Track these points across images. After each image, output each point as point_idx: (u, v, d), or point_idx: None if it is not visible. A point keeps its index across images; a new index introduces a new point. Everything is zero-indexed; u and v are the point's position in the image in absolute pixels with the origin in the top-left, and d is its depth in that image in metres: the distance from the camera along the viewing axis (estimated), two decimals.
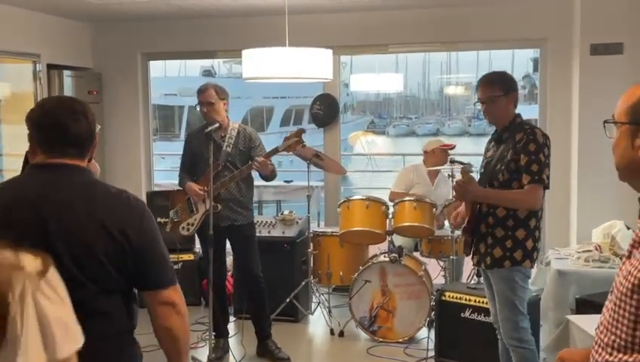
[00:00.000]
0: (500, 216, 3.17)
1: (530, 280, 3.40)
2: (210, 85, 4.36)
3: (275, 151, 4.22)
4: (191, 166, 4.44)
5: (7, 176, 5.75)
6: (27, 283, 1.04)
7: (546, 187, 3.14)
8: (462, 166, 3.36)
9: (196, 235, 4.66)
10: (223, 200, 4.26)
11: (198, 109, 4.38)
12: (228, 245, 4.54)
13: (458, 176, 3.52)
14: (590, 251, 4.37)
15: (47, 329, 1.06)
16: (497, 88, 3.20)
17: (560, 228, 5.33)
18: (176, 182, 4.61)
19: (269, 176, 4.29)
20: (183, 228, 4.42)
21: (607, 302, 1.43)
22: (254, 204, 9.35)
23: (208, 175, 4.17)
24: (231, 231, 4.36)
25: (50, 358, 1.04)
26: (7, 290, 0.99)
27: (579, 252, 4.43)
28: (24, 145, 5.37)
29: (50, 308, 1.07)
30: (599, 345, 1.41)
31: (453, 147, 5.43)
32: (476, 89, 3.33)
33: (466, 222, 3.30)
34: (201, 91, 4.31)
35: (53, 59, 5.95)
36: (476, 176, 3.40)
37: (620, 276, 1.39)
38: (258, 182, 4.72)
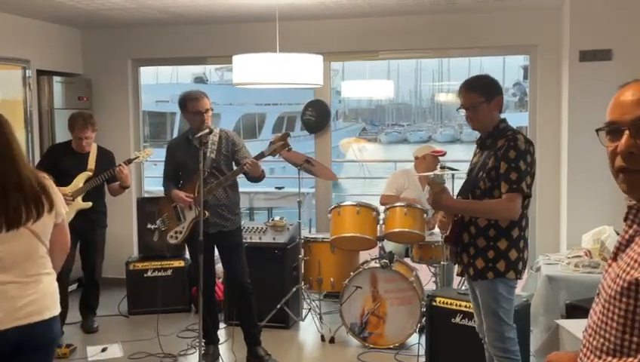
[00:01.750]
0: (482, 226, 3.07)
1: (518, 289, 3.32)
2: (202, 92, 4.30)
3: (262, 155, 4.16)
4: (175, 174, 4.41)
5: None
6: (51, 184, 2.47)
7: (527, 196, 3.02)
8: (432, 176, 3.19)
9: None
10: (211, 206, 4.23)
11: (185, 118, 4.31)
12: (217, 251, 4.52)
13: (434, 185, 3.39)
14: (580, 257, 4.38)
15: (61, 199, 2.51)
16: (479, 94, 3.09)
17: (550, 234, 5.35)
18: None
19: (258, 177, 4.24)
20: (171, 236, 4.38)
21: (594, 305, 1.42)
22: (246, 211, 9.38)
23: (194, 182, 4.15)
24: (219, 238, 4.33)
25: (65, 211, 2.53)
26: (48, 186, 2.44)
27: (569, 257, 4.44)
28: None
29: (58, 191, 2.51)
30: (588, 349, 1.39)
31: (443, 153, 5.44)
32: (458, 94, 3.22)
33: (448, 230, 3.21)
34: (197, 99, 4.22)
35: (43, 65, 5.94)
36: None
37: (606, 278, 1.38)
38: (249, 188, 4.71)
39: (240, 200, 4.53)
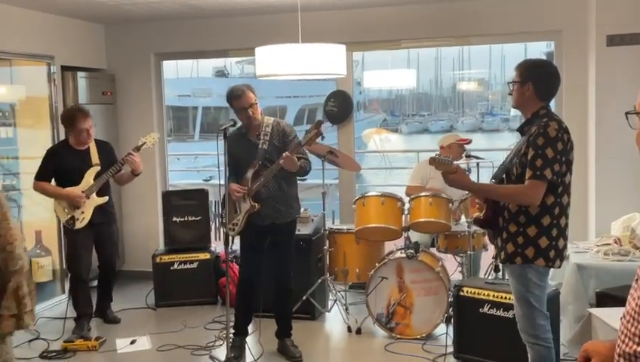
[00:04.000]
0: (513, 212, 3.09)
1: (549, 277, 3.29)
2: (243, 87, 4.24)
3: (299, 145, 4.14)
4: (235, 168, 4.32)
5: (24, 179, 5.77)
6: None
7: (553, 182, 2.97)
8: (434, 156, 3.13)
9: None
10: (263, 199, 4.21)
11: (236, 116, 4.23)
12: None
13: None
14: (609, 244, 4.32)
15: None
16: (518, 74, 3.15)
17: (578, 222, 5.26)
18: (191, 182, 4.61)
19: (298, 172, 4.20)
20: (230, 228, 4.37)
21: (632, 291, 1.40)
22: None
23: (254, 175, 4.17)
24: (271, 230, 4.30)
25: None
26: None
27: (598, 245, 4.38)
28: (40, 149, 5.36)
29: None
30: (626, 335, 1.38)
31: (469, 142, 5.39)
32: None
33: (483, 213, 3.23)
34: (239, 97, 4.17)
35: (67, 60, 5.99)
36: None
37: None
38: None
39: (297, 191, 4.45)
